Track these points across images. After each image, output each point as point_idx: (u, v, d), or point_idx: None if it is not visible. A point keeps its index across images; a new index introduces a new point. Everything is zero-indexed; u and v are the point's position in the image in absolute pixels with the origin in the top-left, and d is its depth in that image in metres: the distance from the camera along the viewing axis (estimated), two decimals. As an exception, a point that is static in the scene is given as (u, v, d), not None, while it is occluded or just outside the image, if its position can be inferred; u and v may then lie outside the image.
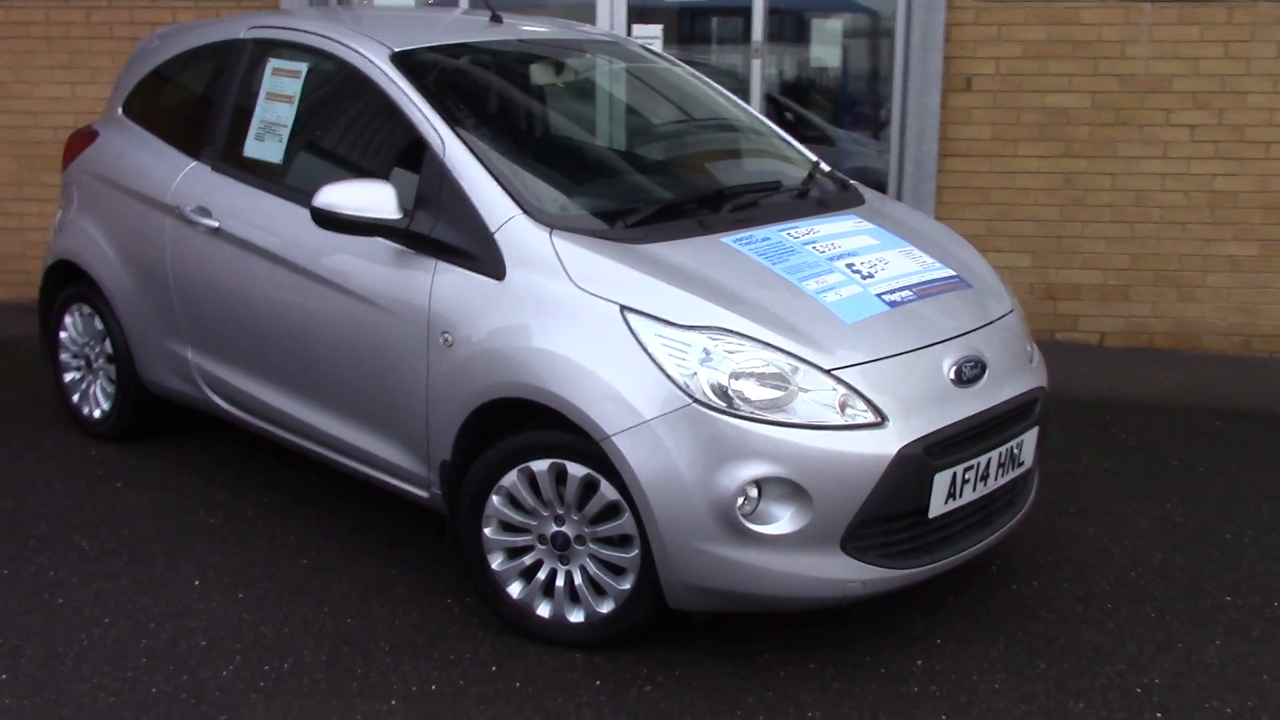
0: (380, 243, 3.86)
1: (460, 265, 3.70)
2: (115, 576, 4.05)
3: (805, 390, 3.32)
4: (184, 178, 4.61)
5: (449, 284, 3.71)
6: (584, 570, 3.60)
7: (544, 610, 3.67)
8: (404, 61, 4.11)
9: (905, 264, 3.91)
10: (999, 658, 3.61)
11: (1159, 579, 4.10)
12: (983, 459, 3.54)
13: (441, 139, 3.83)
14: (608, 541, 3.53)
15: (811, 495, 3.26)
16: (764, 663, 3.58)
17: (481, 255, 3.66)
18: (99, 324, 5.08)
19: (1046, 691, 3.43)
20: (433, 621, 3.78)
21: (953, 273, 3.96)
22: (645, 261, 3.56)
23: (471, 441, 3.70)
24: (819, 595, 3.39)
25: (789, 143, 4.72)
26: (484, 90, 4.49)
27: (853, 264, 3.80)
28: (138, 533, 4.38)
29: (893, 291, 3.72)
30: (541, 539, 3.63)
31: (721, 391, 3.29)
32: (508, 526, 3.66)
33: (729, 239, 3.78)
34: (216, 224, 4.40)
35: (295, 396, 4.28)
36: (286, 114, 4.33)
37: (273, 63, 4.45)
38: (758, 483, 3.27)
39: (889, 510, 3.36)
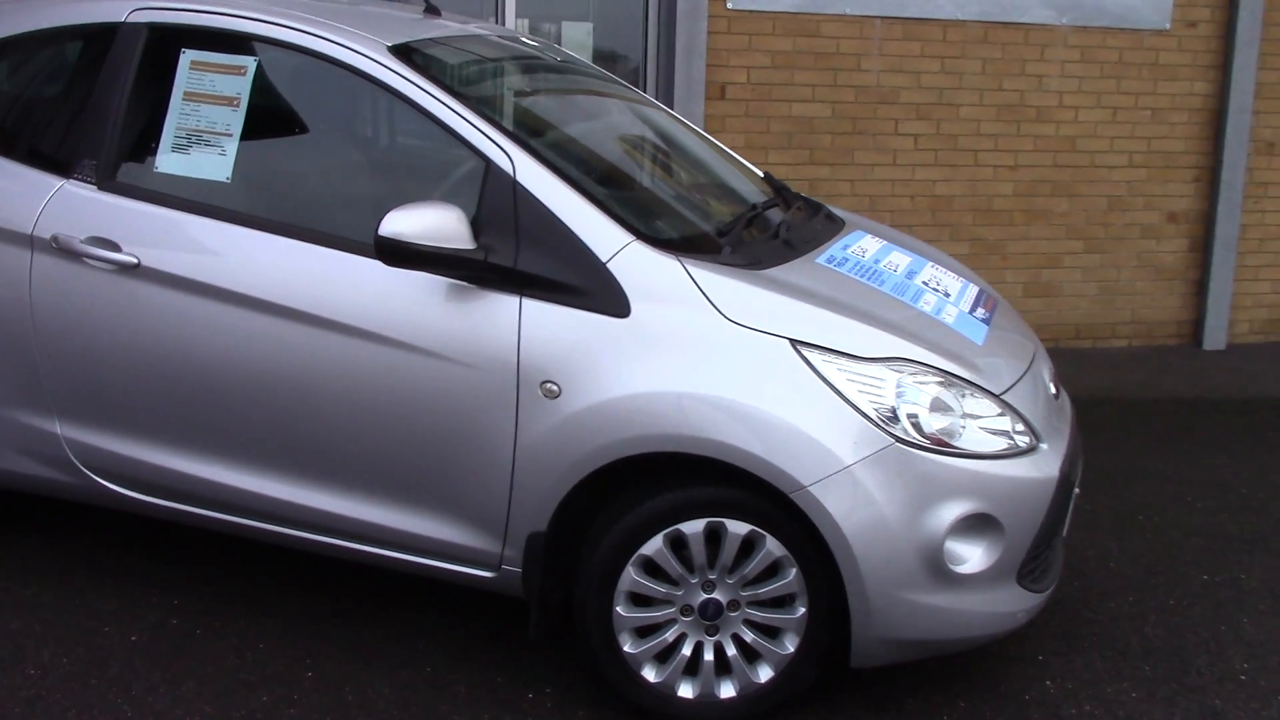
0: (424, 278, 3.20)
1: (559, 301, 3.15)
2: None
3: (976, 417, 3.16)
4: (55, 201, 3.55)
5: (546, 324, 3.14)
6: (736, 639, 3.20)
7: (687, 691, 3.22)
8: (407, 57, 3.42)
9: (953, 280, 3.84)
10: (1116, 667, 3.64)
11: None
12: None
13: (508, 155, 3.23)
14: (766, 604, 3.16)
15: (1005, 528, 3.11)
16: (914, 709, 3.37)
17: (591, 289, 3.14)
18: None
19: (1184, 695, 3.51)
20: (544, 723, 3.21)
21: (979, 285, 3.95)
22: (789, 289, 3.22)
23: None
24: (995, 630, 3.25)
25: (737, 158, 4.48)
26: (509, 95, 3.83)
27: (927, 282, 3.68)
28: (53, 669, 3.33)
29: (974, 309, 3.64)
30: (686, 610, 3.18)
31: (919, 427, 3.05)
32: (643, 600, 3.18)
33: (820, 259, 3.52)
34: (134, 259, 3.43)
35: (273, 474, 3.44)
36: (227, 120, 3.45)
37: (190, 55, 3.53)
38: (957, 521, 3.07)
39: (1047, 535, 3.28)
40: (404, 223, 3.05)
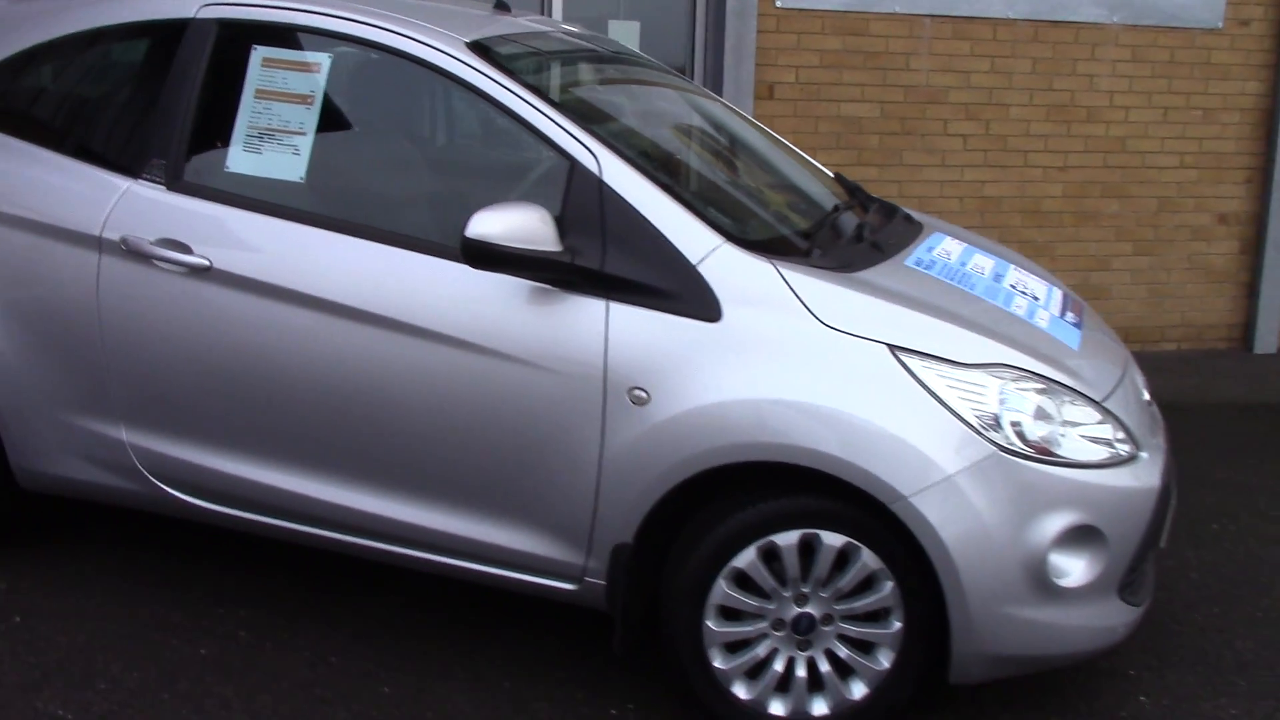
0: (505, 281, 3.11)
1: (647, 305, 3.05)
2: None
3: (1077, 425, 3.05)
4: (123, 202, 3.46)
5: (635, 329, 3.05)
6: (830, 654, 3.10)
7: (779, 708, 3.12)
8: (486, 54, 3.32)
9: (1039, 283, 3.74)
10: (1210, 682, 3.53)
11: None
12: None
13: (594, 154, 3.13)
14: (861, 618, 3.06)
15: (1108, 540, 3.00)
16: (1010, 726, 3.28)
17: (681, 293, 3.04)
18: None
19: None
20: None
21: (1063, 289, 3.85)
22: (883, 292, 3.11)
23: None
24: (1096, 646, 3.14)
25: (807, 158, 4.37)
26: (587, 92, 3.74)
27: (1015, 285, 3.57)
28: (122, 683, 3.25)
29: (1064, 312, 3.54)
30: (778, 624, 3.08)
31: (1022, 435, 2.94)
32: (734, 615, 3.08)
33: (908, 261, 3.42)
34: (205, 261, 3.34)
35: (347, 483, 3.35)
36: (301, 118, 3.37)
37: (262, 51, 3.44)
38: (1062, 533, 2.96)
39: (1146, 547, 3.17)
40: (491, 224, 2.96)
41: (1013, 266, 3.78)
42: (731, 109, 4.43)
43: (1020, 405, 2.96)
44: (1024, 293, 3.53)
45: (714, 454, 2.98)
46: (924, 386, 2.93)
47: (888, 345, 2.97)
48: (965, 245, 3.82)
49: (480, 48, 3.34)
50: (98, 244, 3.45)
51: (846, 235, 3.51)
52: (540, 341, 3.09)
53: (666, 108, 4.08)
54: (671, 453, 3.01)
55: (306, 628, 3.57)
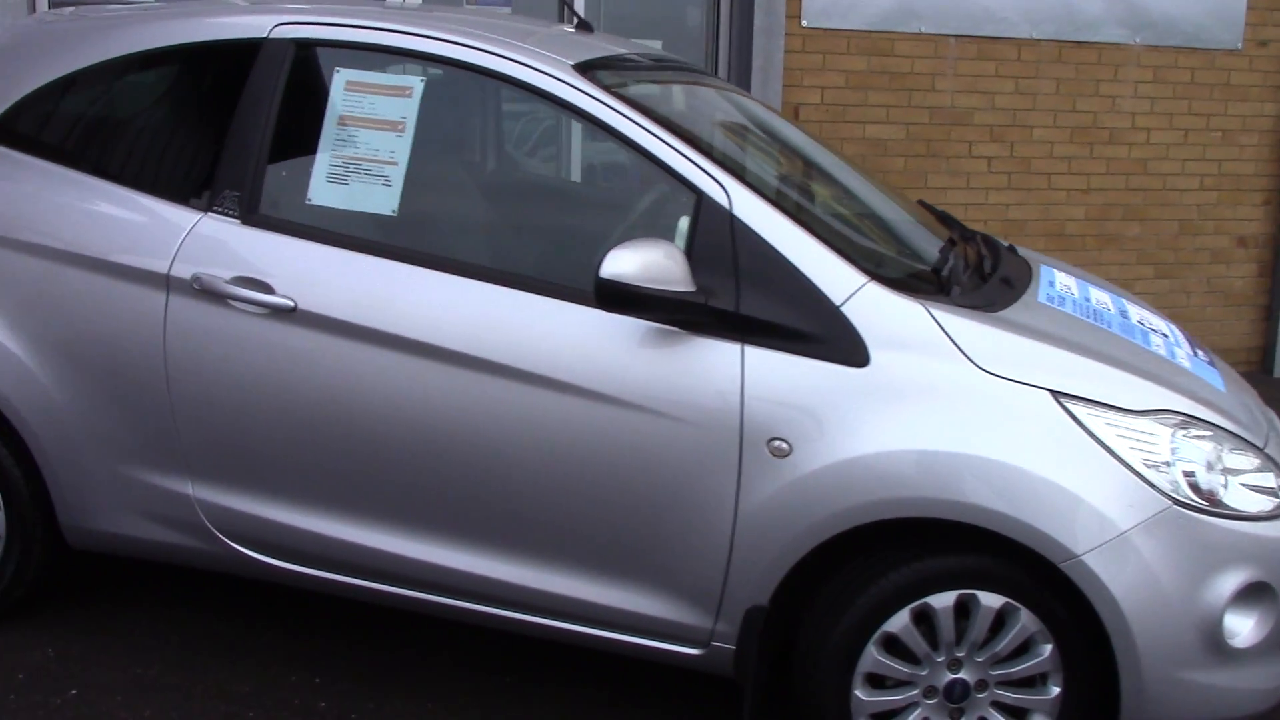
0: (625, 322, 2.87)
1: (786, 349, 2.82)
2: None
3: (1237, 473, 2.87)
4: (193, 237, 3.18)
5: (774, 374, 2.82)
6: (982, 722, 2.89)
7: (928, 780, 2.90)
8: (594, 77, 3.09)
9: (1158, 319, 3.56)
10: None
11: None
12: None
13: (722, 186, 2.91)
14: (1016, 683, 2.85)
15: (1278, 595, 2.82)
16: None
17: (823, 335, 2.82)
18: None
19: None
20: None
21: (1178, 325, 3.68)
22: (1034, 333, 2.91)
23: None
24: (1262, 707, 2.95)
25: (889, 185, 4.17)
26: (700, 120, 3.50)
27: (1142, 322, 3.39)
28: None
29: (1194, 350, 3.36)
30: (930, 691, 2.86)
31: (1195, 487, 2.75)
32: (883, 682, 2.86)
33: (1040, 298, 3.23)
34: (290, 302, 3.06)
35: (446, 541, 3.09)
36: (392, 146, 3.10)
37: (346, 74, 3.17)
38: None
39: None
40: (626, 263, 2.72)
41: (1128, 301, 3.60)
42: (818, 139, 4.21)
43: (1192, 455, 2.77)
44: (1154, 330, 3.34)
45: (865, 510, 2.76)
46: (1092, 436, 2.73)
47: (1050, 391, 2.76)
48: (1078, 279, 3.64)
49: (587, 69, 3.10)
50: (165, 282, 3.16)
51: (973, 270, 3.31)
52: (667, 388, 2.85)
53: (770, 137, 3.84)
54: (817, 509, 2.78)
55: (390, 695, 3.30)
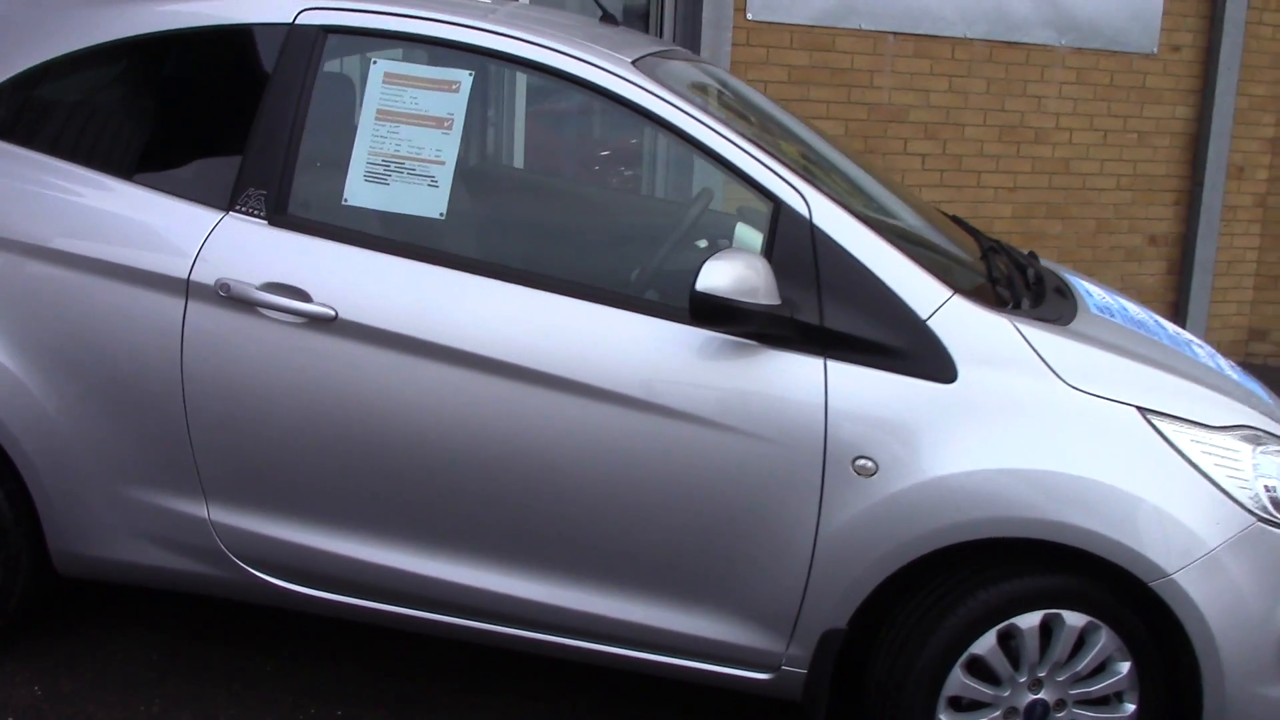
0: (695, 334, 2.75)
1: (871, 364, 2.73)
2: None
3: None
4: (215, 239, 2.92)
5: (859, 391, 2.73)
6: (1059, 742, 2.85)
7: (1006, 802, 2.85)
8: (653, 74, 2.94)
9: (1185, 331, 3.58)
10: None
11: None
12: None
13: (801, 194, 2.80)
14: (1094, 702, 2.83)
15: None
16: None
17: (909, 350, 2.73)
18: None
19: None
20: None
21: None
22: (1110, 347, 2.88)
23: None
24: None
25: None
26: (762, 124, 3.34)
27: (1179, 332, 3.41)
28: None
29: (1232, 364, 3.39)
30: (1010, 712, 2.81)
31: (1276, 502, 2.76)
32: (964, 705, 2.79)
33: (1094, 311, 3.20)
34: (330, 310, 2.84)
35: (498, 565, 2.91)
36: (438, 144, 2.90)
37: (383, 66, 2.96)
38: None
39: None
40: (721, 276, 2.60)
41: (1145, 310, 3.61)
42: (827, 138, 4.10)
43: (1270, 470, 2.77)
44: (1192, 340, 3.36)
45: (955, 530, 2.69)
46: (1180, 453, 2.71)
47: (1137, 408, 2.73)
48: (1101, 288, 3.63)
49: (646, 66, 2.95)
50: (184, 288, 2.90)
51: (1028, 281, 3.26)
52: (744, 404, 2.73)
53: (820, 141, 3.72)
54: (904, 529, 2.70)
55: (424, 728, 3.11)
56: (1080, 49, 7.24)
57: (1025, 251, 3.77)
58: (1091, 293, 3.41)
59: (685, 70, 3.28)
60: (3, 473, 3.06)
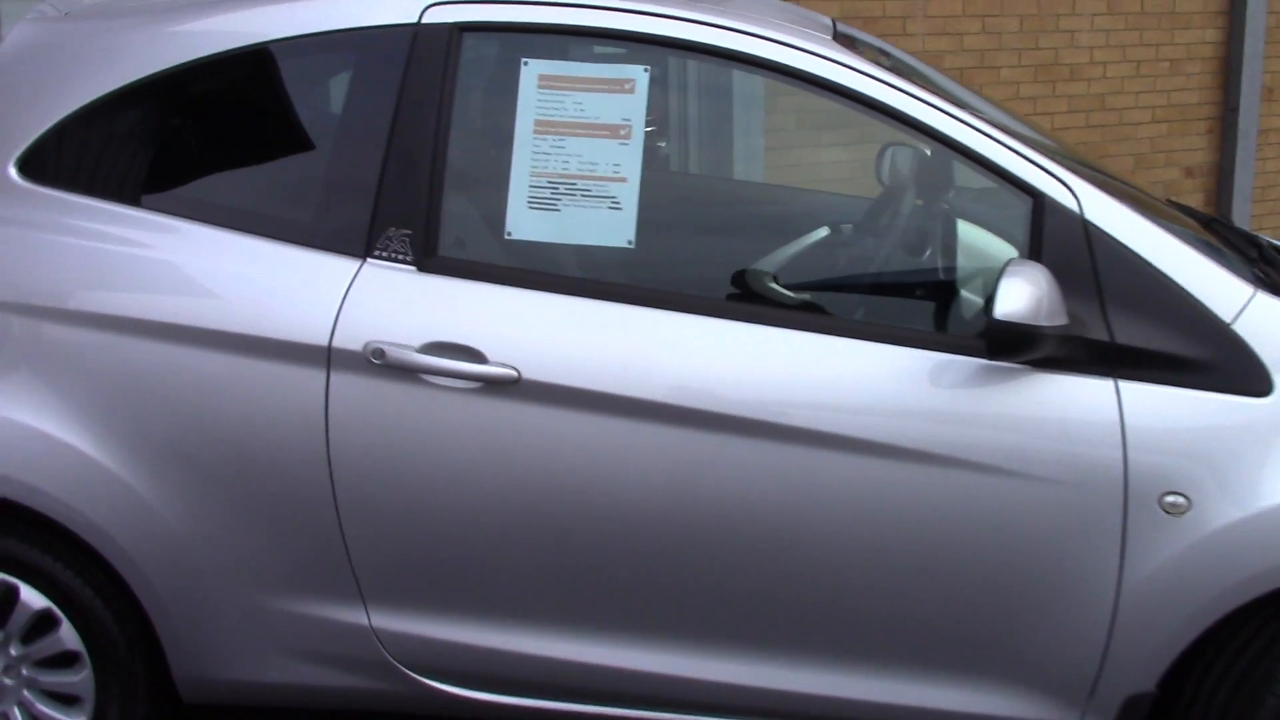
0: (949, 362, 2.31)
1: (1170, 382, 2.30)
2: None
3: None
4: (356, 294, 2.40)
5: (1159, 415, 2.30)
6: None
7: None
8: (871, 57, 2.47)
9: None
10: None
11: None
12: None
13: (1068, 186, 2.35)
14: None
15: None
16: None
17: (1212, 361, 2.31)
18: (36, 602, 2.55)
19: None
20: None
21: None
22: None
23: None
24: None
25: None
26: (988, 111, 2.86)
27: None
28: None
29: None
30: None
31: None
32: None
33: None
34: (512, 372, 2.34)
35: (728, 651, 2.45)
36: (615, 157, 2.40)
37: (537, 66, 2.44)
38: None
39: None
40: (1020, 297, 2.14)
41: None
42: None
43: None
44: None
45: (1291, 571, 2.27)
46: None
47: None
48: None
49: (847, 43, 2.47)
50: (324, 357, 2.38)
51: (1265, 258, 2.84)
52: (1018, 441, 2.30)
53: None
54: (1229, 573, 2.29)
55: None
56: (1109, -25, 6.87)
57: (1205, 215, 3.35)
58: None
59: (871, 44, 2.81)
60: (111, 592, 2.54)
